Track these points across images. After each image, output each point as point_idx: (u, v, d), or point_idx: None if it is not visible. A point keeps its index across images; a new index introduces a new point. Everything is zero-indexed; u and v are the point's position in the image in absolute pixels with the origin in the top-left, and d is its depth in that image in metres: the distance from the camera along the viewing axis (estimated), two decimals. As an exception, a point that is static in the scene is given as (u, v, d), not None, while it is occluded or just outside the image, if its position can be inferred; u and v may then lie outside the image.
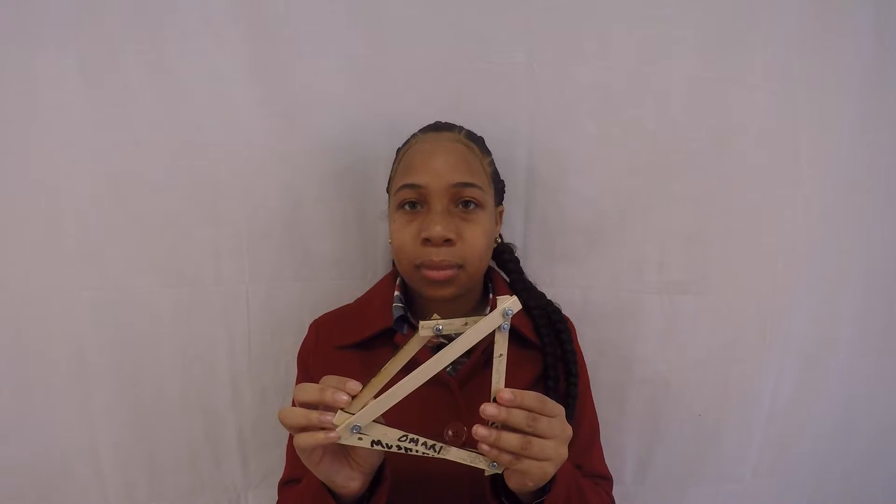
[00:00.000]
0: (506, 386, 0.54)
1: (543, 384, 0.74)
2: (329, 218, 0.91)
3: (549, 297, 0.81)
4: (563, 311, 0.80)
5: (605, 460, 0.82)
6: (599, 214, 0.93)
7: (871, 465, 1.07)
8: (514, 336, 0.74)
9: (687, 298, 0.94)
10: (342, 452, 0.56)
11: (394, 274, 0.80)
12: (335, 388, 0.52)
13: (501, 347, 0.54)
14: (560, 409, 0.56)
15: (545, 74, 0.89)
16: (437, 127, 0.78)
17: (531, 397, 0.53)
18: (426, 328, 0.52)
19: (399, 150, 0.79)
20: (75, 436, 0.87)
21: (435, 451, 0.55)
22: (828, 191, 0.95)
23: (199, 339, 0.89)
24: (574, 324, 0.83)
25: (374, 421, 0.53)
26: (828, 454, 1.05)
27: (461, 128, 0.77)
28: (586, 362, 0.82)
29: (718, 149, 0.92)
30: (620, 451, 0.98)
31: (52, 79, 0.80)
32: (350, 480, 0.56)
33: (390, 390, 0.52)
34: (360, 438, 0.53)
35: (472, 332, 0.52)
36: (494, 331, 0.53)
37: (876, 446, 1.07)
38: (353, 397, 0.52)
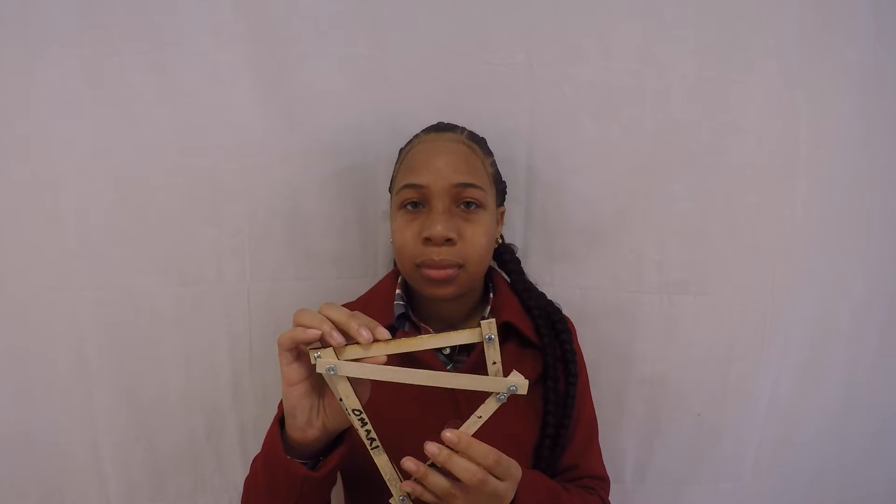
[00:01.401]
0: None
1: (543, 384, 0.74)
2: (330, 217, 0.91)
3: (549, 297, 0.81)
4: (563, 311, 0.80)
5: (605, 460, 0.82)
6: (599, 214, 0.93)
7: (869, 464, 1.08)
8: (515, 335, 0.75)
9: (686, 298, 0.95)
10: (318, 394, 0.57)
11: (395, 273, 0.81)
12: (364, 324, 0.52)
13: (485, 412, 0.55)
14: (516, 474, 0.56)
15: (545, 75, 0.89)
16: (440, 127, 0.78)
17: (481, 451, 0.53)
18: (487, 326, 0.53)
19: (401, 150, 0.79)
20: (77, 435, 0.87)
21: (370, 445, 0.55)
22: (827, 191, 0.96)
23: (200, 339, 0.89)
24: (574, 324, 0.83)
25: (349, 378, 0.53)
26: (826, 453, 1.05)
27: (463, 128, 0.78)
28: (586, 362, 0.82)
29: (718, 149, 0.92)
30: (620, 450, 0.99)
31: (53, 79, 0.80)
32: (309, 426, 0.56)
33: (390, 368, 0.53)
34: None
35: (478, 381, 0.55)
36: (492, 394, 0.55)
37: (875, 445, 1.07)
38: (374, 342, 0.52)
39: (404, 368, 0.54)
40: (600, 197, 0.92)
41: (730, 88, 0.91)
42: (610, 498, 0.80)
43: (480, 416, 0.55)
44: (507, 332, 0.75)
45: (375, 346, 0.53)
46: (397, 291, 0.78)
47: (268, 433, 0.61)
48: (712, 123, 0.91)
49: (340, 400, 0.54)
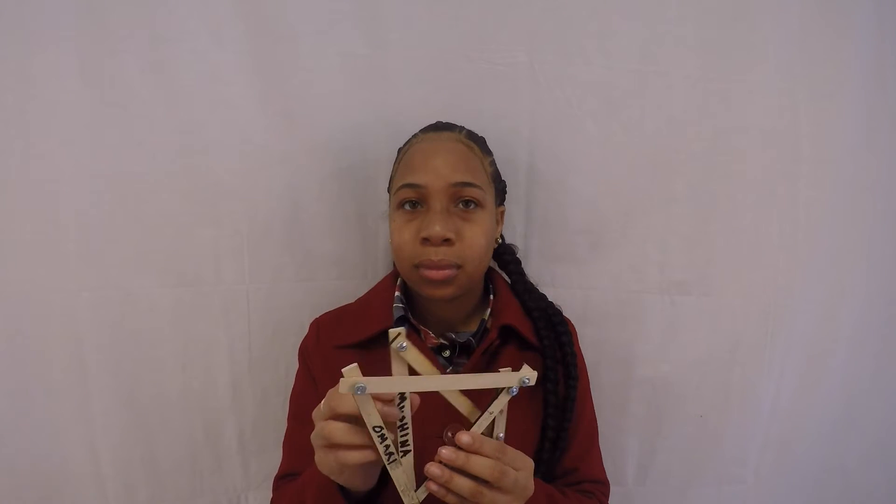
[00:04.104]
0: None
1: (542, 387, 0.73)
2: (329, 218, 0.91)
3: (550, 298, 0.81)
4: (564, 312, 0.80)
5: (606, 462, 0.82)
6: (600, 215, 0.93)
7: (872, 467, 1.07)
8: (514, 338, 0.75)
9: (688, 299, 0.94)
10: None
11: (394, 274, 0.80)
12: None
13: (496, 407, 0.56)
14: (528, 464, 0.58)
15: (546, 74, 0.89)
16: (438, 127, 0.78)
17: (491, 446, 0.54)
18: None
19: (400, 149, 0.79)
20: (75, 436, 0.87)
21: (387, 460, 0.55)
22: (829, 190, 0.95)
23: (199, 340, 0.89)
24: (575, 324, 0.83)
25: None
26: (829, 455, 1.05)
27: (462, 128, 0.77)
28: (587, 363, 0.81)
29: (719, 149, 0.92)
30: (622, 452, 0.98)
31: (51, 78, 0.80)
32: (370, 480, 0.58)
33: (415, 378, 0.54)
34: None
35: (490, 379, 0.55)
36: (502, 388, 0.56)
37: (877, 447, 1.07)
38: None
39: (426, 377, 0.54)
40: (601, 197, 0.92)
41: (731, 88, 0.90)
42: (611, 500, 0.80)
43: (492, 412, 0.56)
44: (507, 335, 0.75)
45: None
46: (396, 293, 0.77)
47: (314, 485, 0.60)
48: (714, 123, 0.91)
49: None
